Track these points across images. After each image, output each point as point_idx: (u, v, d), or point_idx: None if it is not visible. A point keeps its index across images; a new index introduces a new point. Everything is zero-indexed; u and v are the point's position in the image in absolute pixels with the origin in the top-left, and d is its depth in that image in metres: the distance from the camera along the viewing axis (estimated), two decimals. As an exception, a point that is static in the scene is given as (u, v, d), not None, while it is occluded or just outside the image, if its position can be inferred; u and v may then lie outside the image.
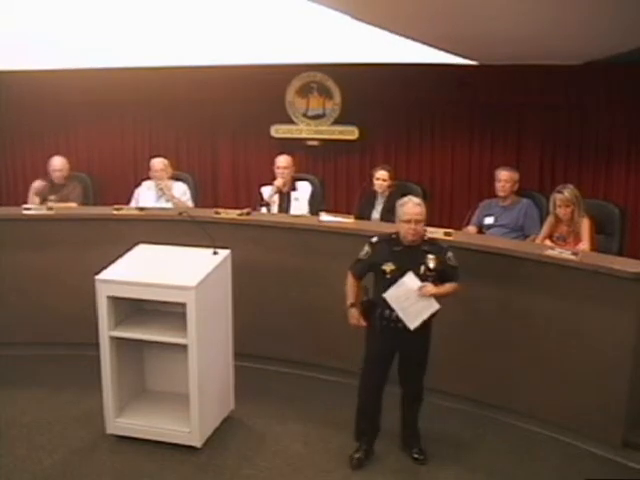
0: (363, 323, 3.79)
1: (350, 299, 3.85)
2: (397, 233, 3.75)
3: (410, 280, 3.63)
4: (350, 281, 3.87)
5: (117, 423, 4.02)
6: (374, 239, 3.81)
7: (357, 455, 3.84)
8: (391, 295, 3.65)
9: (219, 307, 4.14)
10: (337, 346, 4.83)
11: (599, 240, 4.81)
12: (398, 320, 3.68)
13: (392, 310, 3.67)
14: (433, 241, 3.83)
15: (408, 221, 3.66)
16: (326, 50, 5.96)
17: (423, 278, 3.65)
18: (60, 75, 6.61)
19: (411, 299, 3.63)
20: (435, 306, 3.65)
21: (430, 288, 3.64)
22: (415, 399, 3.89)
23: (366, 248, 3.79)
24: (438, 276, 3.70)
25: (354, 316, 3.82)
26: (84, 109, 6.92)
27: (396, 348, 3.78)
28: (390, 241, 3.75)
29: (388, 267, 3.68)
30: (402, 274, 3.65)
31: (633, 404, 3.96)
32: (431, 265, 3.68)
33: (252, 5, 5.01)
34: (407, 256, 3.69)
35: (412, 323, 3.66)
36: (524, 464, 3.86)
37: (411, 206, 3.69)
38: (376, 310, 3.75)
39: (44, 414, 4.32)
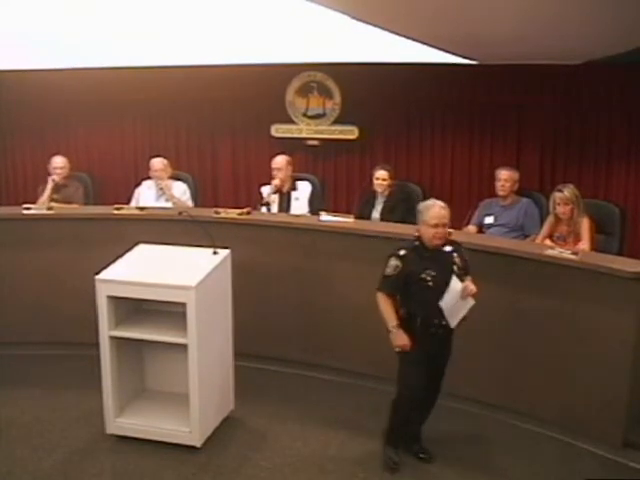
0: (409, 343, 3.62)
1: (392, 321, 3.65)
2: (419, 238, 3.66)
3: (455, 283, 3.59)
4: (385, 301, 3.69)
5: (117, 423, 4.02)
6: (401, 252, 3.64)
7: (396, 459, 3.81)
8: (447, 303, 3.58)
9: (219, 307, 4.14)
10: (337, 346, 4.83)
11: (599, 240, 4.81)
12: (440, 326, 3.62)
13: (435, 317, 3.60)
14: (450, 240, 3.77)
15: (435, 225, 3.58)
16: (326, 50, 5.96)
17: (458, 278, 3.61)
18: (60, 75, 6.61)
19: (455, 300, 3.60)
20: (471, 302, 3.62)
21: (473, 287, 3.60)
22: (435, 401, 3.87)
23: (394, 262, 3.63)
24: (464, 273, 3.68)
25: (402, 337, 3.62)
26: (84, 109, 6.92)
27: (432, 352, 3.69)
28: (417, 249, 3.65)
29: (428, 275, 3.58)
30: (442, 279, 3.57)
31: (633, 404, 3.96)
32: (459, 264, 3.66)
33: (252, 5, 5.01)
34: (438, 260, 3.62)
35: (454, 322, 3.64)
36: (524, 464, 3.85)
37: (438, 210, 3.61)
38: (415, 320, 3.64)
39: (44, 414, 4.32)
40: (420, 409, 3.83)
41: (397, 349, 3.65)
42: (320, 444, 4.05)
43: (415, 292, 3.63)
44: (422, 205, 3.71)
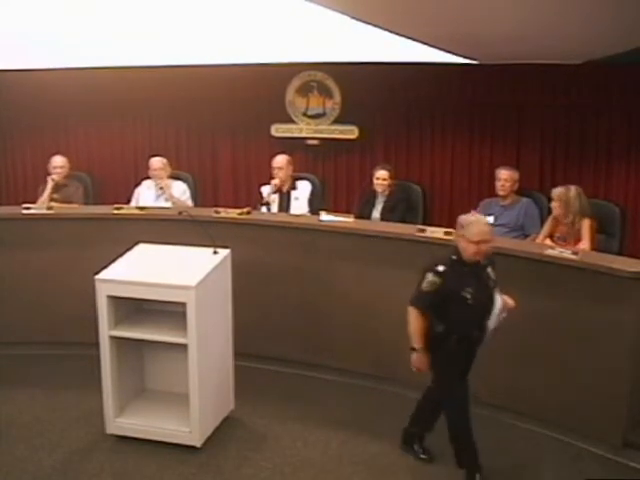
0: (427, 368, 3.59)
1: (418, 342, 3.56)
2: (456, 252, 3.54)
3: (497, 301, 3.56)
4: (416, 318, 3.54)
5: (117, 423, 4.02)
6: (440, 268, 3.48)
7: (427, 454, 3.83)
8: (493, 322, 3.53)
9: (219, 307, 4.14)
10: (337, 346, 4.83)
11: (599, 240, 4.81)
12: (477, 341, 3.58)
13: (472, 333, 3.54)
14: None
15: (478, 242, 3.45)
16: (326, 49, 5.96)
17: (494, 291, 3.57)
18: (60, 75, 6.60)
19: (496, 316, 3.56)
20: (504, 315, 3.59)
21: (511, 302, 3.58)
22: None
23: (432, 278, 3.47)
24: (495, 285, 3.61)
25: (422, 361, 3.57)
26: (84, 109, 6.91)
27: (463, 366, 3.65)
28: (455, 264, 3.51)
29: (468, 293, 3.48)
30: (481, 295, 3.51)
31: (633, 404, 3.96)
32: (493, 277, 3.59)
33: (252, 5, 5.01)
34: (476, 275, 3.53)
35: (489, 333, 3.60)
36: (524, 464, 3.85)
37: (482, 226, 3.49)
38: (450, 337, 3.53)
39: (44, 414, 4.32)
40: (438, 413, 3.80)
41: (414, 369, 3.61)
42: (320, 444, 4.05)
43: (454, 310, 3.51)
44: (464, 220, 3.54)
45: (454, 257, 3.53)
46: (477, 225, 3.49)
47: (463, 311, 3.49)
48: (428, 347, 3.58)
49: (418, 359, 3.58)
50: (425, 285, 3.50)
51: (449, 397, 3.67)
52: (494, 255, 3.64)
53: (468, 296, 3.48)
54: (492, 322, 3.53)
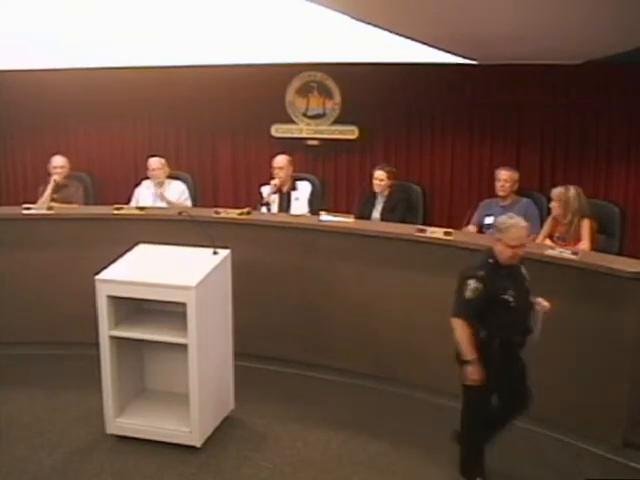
0: (483, 379, 3.46)
1: (472, 353, 3.45)
2: (492, 256, 3.50)
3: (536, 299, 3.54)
4: (465, 329, 3.46)
5: (117, 423, 4.02)
6: (480, 272, 3.44)
7: None
8: (538, 326, 3.50)
9: (219, 307, 4.14)
10: (337, 346, 4.83)
11: (599, 240, 4.81)
12: (520, 344, 3.52)
13: (515, 336, 3.49)
14: None
15: (515, 246, 3.43)
16: (326, 50, 5.95)
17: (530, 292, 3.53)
18: (60, 75, 6.61)
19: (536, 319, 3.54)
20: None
21: (546, 303, 3.54)
22: (511, 418, 3.70)
23: (474, 284, 3.42)
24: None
25: (478, 372, 3.45)
26: (84, 109, 6.92)
27: (509, 372, 3.55)
28: (493, 268, 3.47)
29: (510, 295, 3.44)
30: (521, 297, 3.47)
31: (633, 404, 3.96)
32: (528, 278, 3.57)
33: (252, 5, 5.01)
34: (514, 277, 3.50)
35: (537, 336, 3.55)
36: (524, 464, 3.85)
37: (520, 230, 3.46)
38: (493, 342, 3.46)
39: (44, 414, 4.32)
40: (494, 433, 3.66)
41: (469, 382, 3.49)
42: (320, 444, 4.05)
43: (496, 314, 3.44)
44: (502, 223, 3.51)
45: (490, 260, 3.48)
46: (515, 229, 3.45)
47: (505, 315, 3.43)
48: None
49: (474, 371, 3.45)
50: (469, 293, 3.43)
51: (479, 403, 3.56)
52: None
53: (510, 299, 3.44)
54: (536, 326, 3.47)
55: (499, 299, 3.44)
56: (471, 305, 3.44)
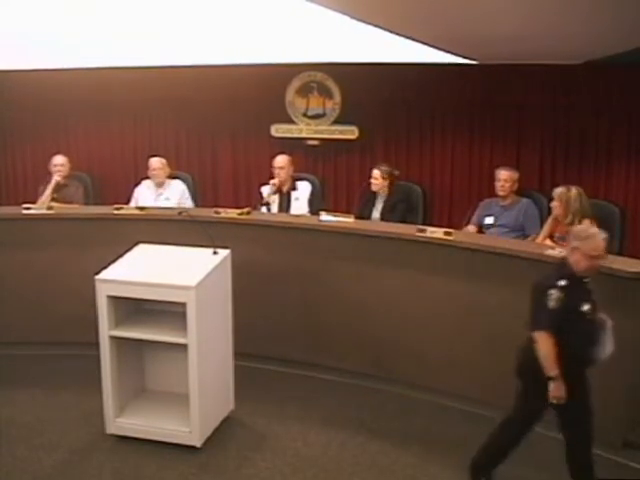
0: (567, 397, 3.30)
1: (555, 368, 3.26)
2: (568, 266, 3.33)
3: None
4: (549, 343, 3.26)
5: (117, 423, 4.02)
6: (562, 282, 3.26)
7: None
8: (609, 341, 3.37)
9: (219, 307, 4.14)
10: (338, 346, 4.83)
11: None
12: (593, 360, 3.37)
13: (591, 351, 3.34)
14: None
15: (594, 257, 3.26)
16: (326, 50, 5.96)
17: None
18: (60, 75, 6.61)
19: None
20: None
21: (609, 320, 3.39)
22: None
23: (556, 294, 3.24)
24: None
25: (562, 389, 3.27)
26: (84, 109, 6.91)
27: (578, 391, 3.39)
28: (572, 277, 3.30)
29: (587, 307, 3.29)
30: (595, 310, 3.33)
31: (633, 404, 3.96)
32: (593, 290, 3.41)
33: (252, 5, 5.01)
34: (586, 288, 3.35)
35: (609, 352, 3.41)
36: (524, 464, 3.85)
37: (600, 241, 3.28)
38: (566, 357, 3.29)
39: (44, 414, 4.32)
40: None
41: (554, 401, 3.31)
42: (320, 444, 4.05)
43: (572, 326, 3.29)
44: (582, 231, 3.38)
45: (568, 271, 3.33)
46: (597, 240, 3.28)
47: (582, 327, 3.30)
48: (538, 368, 3.31)
49: (558, 388, 3.27)
50: (552, 303, 3.25)
51: (526, 420, 3.45)
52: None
53: (587, 311, 3.30)
54: (608, 341, 3.35)
55: (577, 311, 3.28)
56: (554, 316, 3.27)
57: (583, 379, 3.40)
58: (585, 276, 3.33)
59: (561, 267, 3.38)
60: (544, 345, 3.27)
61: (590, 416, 3.44)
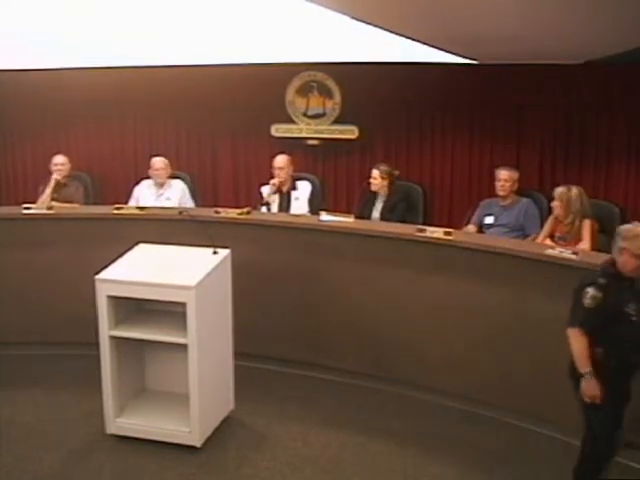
0: (600, 394, 3.19)
1: (587, 365, 3.17)
2: (613, 265, 3.24)
3: None
4: (581, 340, 3.18)
5: (117, 423, 4.02)
6: (601, 280, 3.17)
7: None
8: None
9: (219, 307, 4.14)
10: (337, 346, 4.83)
11: (600, 239, 4.80)
12: (636, 366, 3.27)
13: (635, 355, 3.22)
14: None
15: None
16: (326, 49, 5.97)
17: None
18: (60, 74, 6.61)
19: None
20: None
21: None
22: None
23: (593, 292, 3.15)
24: None
25: (596, 387, 3.17)
26: (84, 108, 6.91)
27: (622, 395, 3.33)
28: (615, 277, 3.20)
29: (632, 309, 3.17)
30: None
31: (633, 404, 3.95)
32: None
33: (252, 5, 5.02)
34: (633, 289, 3.22)
35: None
36: (524, 464, 3.85)
37: None
38: (609, 360, 3.20)
39: (44, 414, 4.32)
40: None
41: (587, 399, 3.22)
42: (320, 444, 4.05)
43: (615, 328, 3.19)
44: (627, 231, 3.23)
45: (611, 269, 3.24)
46: None
47: (625, 330, 3.18)
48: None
49: (590, 385, 3.18)
50: (587, 301, 3.16)
51: (600, 426, 3.28)
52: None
53: (632, 312, 3.17)
54: None
55: (620, 312, 3.18)
56: (589, 314, 3.16)
57: (621, 385, 3.28)
58: (632, 277, 3.21)
59: (606, 267, 3.28)
60: (575, 342, 3.20)
61: (616, 429, 3.31)
